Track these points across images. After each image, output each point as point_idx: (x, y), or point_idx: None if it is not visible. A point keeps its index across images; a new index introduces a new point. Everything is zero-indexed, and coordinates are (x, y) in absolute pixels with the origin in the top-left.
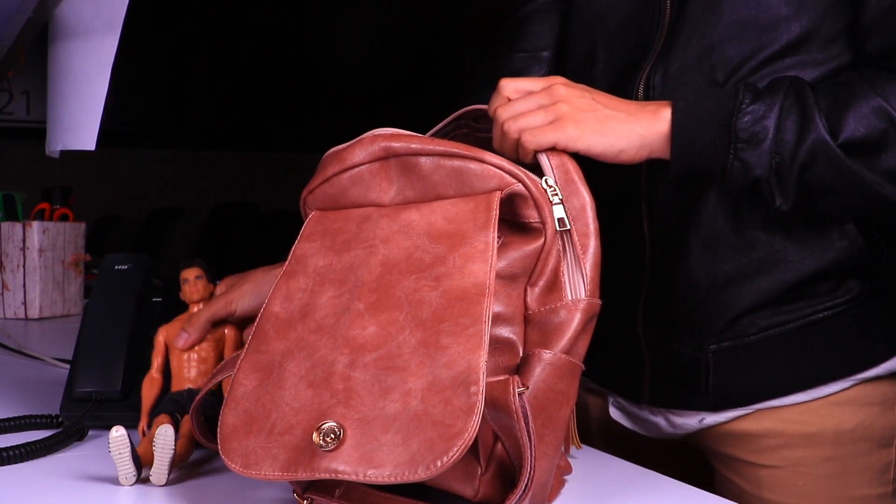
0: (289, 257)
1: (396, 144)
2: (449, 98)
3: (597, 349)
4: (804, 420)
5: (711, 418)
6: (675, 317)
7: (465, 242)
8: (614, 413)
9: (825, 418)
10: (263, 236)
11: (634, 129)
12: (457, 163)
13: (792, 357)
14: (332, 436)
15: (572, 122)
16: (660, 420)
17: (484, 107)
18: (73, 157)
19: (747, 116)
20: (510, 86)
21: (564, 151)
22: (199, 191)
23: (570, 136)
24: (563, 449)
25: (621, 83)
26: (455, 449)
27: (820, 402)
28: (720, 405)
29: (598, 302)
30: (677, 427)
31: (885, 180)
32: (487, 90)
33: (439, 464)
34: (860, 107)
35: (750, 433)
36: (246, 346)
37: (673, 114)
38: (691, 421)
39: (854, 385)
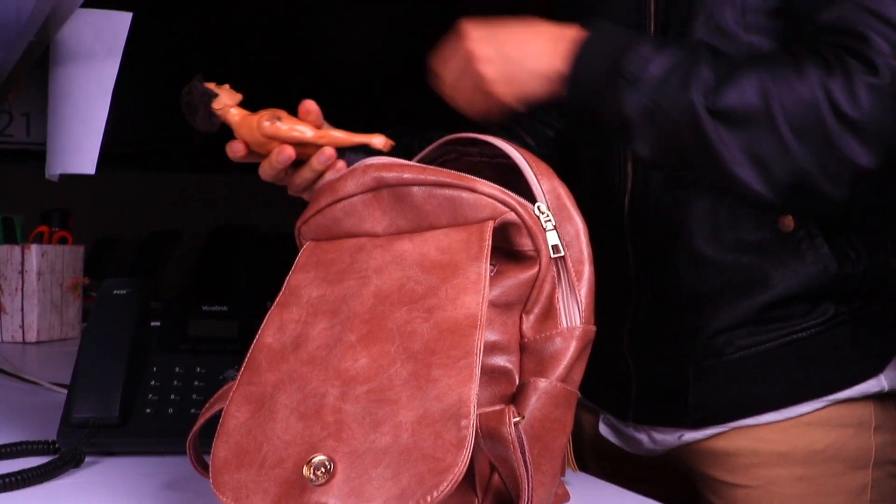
0: (283, 288)
1: (388, 175)
2: None
3: (588, 368)
4: (777, 439)
5: (690, 435)
6: (659, 335)
7: (457, 273)
8: (604, 430)
9: (797, 438)
10: (262, 258)
11: (541, 68)
12: (449, 192)
13: (766, 376)
14: (323, 469)
15: (481, 91)
16: (643, 437)
17: (471, 135)
18: (72, 179)
19: (634, 58)
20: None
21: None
22: (197, 213)
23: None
24: (560, 476)
25: None
26: (445, 483)
27: (792, 421)
28: (699, 422)
29: (594, 328)
30: (658, 443)
31: (742, 159)
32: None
33: (429, 499)
34: (746, 81)
35: (726, 451)
36: (238, 377)
37: (580, 43)
38: (671, 437)
39: (826, 406)
